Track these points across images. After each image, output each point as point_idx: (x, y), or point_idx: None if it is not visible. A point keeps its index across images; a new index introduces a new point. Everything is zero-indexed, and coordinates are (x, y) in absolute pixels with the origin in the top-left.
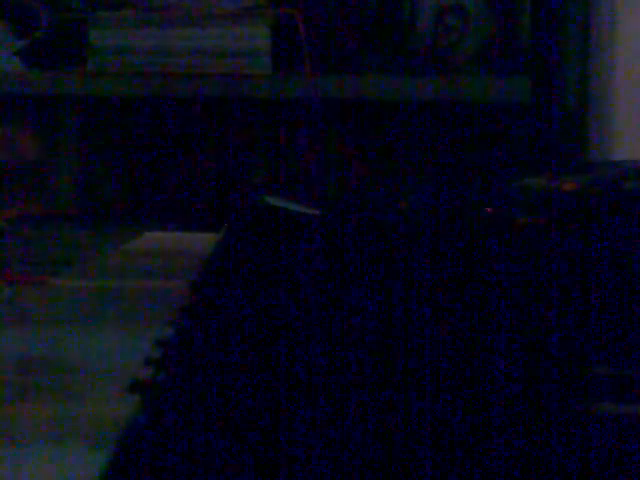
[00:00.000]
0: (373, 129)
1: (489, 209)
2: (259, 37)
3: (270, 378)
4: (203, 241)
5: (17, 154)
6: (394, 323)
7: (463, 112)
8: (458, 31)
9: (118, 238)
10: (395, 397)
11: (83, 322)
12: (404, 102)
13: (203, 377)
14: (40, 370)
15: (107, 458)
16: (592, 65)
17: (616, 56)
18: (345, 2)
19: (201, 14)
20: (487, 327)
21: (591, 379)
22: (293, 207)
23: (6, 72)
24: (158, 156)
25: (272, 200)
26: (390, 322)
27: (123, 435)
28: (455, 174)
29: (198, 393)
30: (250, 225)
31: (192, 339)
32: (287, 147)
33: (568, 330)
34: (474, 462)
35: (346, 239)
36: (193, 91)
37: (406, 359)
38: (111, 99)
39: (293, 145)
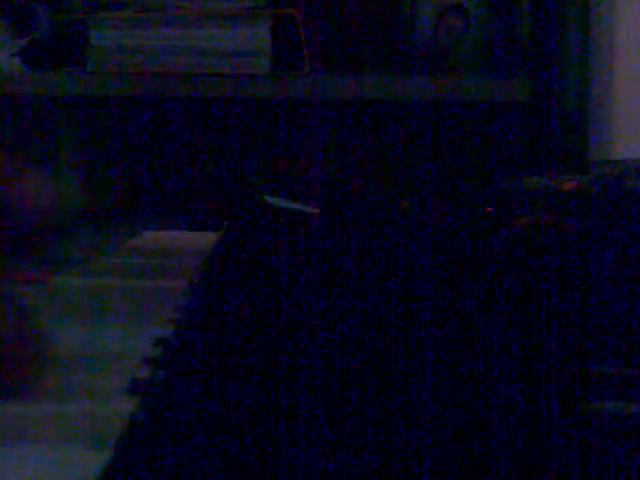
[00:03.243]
0: (373, 129)
1: (489, 209)
2: (259, 37)
3: (269, 376)
4: (203, 240)
5: (17, 153)
6: (393, 322)
7: (463, 112)
8: (458, 31)
9: (118, 237)
10: (395, 396)
11: (82, 321)
12: (404, 102)
13: (202, 376)
14: (39, 369)
15: (107, 457)
16: (592, 65)
17: (616, 56)
18: (345, 2)
19: (201, 14)
20: (487, 327)
21: (591, 379)
22: (293, 206)
23: (6, 72)
24: (158, 156)
25: (272, 199)
26: (389, 320)
27: (123, 434)
28: (455, 174)
29: (197, 392)
30: (250, 224)
31: (191, 338)
32: (287, 147)
33: (568, 330)
34: (474, 461)
35: (345, 238)
36: (193, 91)
37: (406, 358)
38: (111, 99)
39: (293, 145)
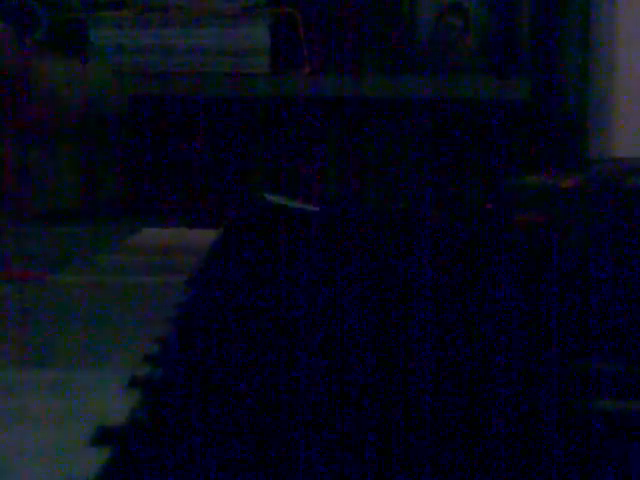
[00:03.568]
0: (373, 129)
1: (490, 206)
2: (258, 36)
3: (269, 375)
4: (202, 238)
5: (17, 152)
6: (393, 321)
7: (463, 112)
8: (458, 31)
9: (117, 235)
10: (395, 395)
11: (82, 319)
12: (404, 102)
13: (202, 374)
14: (39, 367)
15: (107, 455)
16: (592, 65)
17: (616, 56)
18: (345, 2)
19: (201, 14)
20: (487, 325)
21: (590, 376)
22: (292, 205)
23: None
24: (158, 155)
25: (272, 198)
26: (389, 320)
27: (123, 432)
28: (455, 174)
29: (197, 390)
30: (250, 222)
31: (191, 336)
32: (286, 146)
33: (568, 329)
34: (474, 460)
35: (345, 237)
36: (193, 90)
37: (406, 357)
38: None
39: (292, 144)
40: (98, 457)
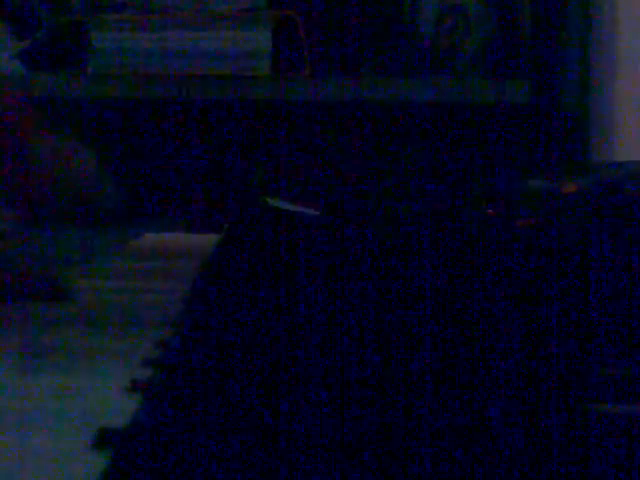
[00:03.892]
0: (373, 130)
1: (490, 210)
2: (259, 39)
3: (270, 377)
4: (203, 242)
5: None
6: (394, 323)
7: (463, 113)
8: (458, 32)
9: (118, 239)
10: (395, 396)
11: (83, 323)
12: (404, 103)
13: (203, 377)
14: (40, 371)
15: (108, 459)
16: (592, 66)
17: (616, 56)
18: (345, 4)
19: (201, 16)
20: (487, 327)
21: (591, 379)
22: (293, 208)
23: (7, 74)
24: (158, 157)
25: (272, 201)
26: (390, 322)
27: (123, 435)
28: (455, 175)
29: (198, 393)
30: (250, 226)
31: (192, 340)
32: (287, 149)
33: (568, 330)
34: (474, 462)
35: (346, 239)
36: (193, 93)
37: (406, 358)
38: (112, 101)
39: (293, 147)
40: (99, 461)
